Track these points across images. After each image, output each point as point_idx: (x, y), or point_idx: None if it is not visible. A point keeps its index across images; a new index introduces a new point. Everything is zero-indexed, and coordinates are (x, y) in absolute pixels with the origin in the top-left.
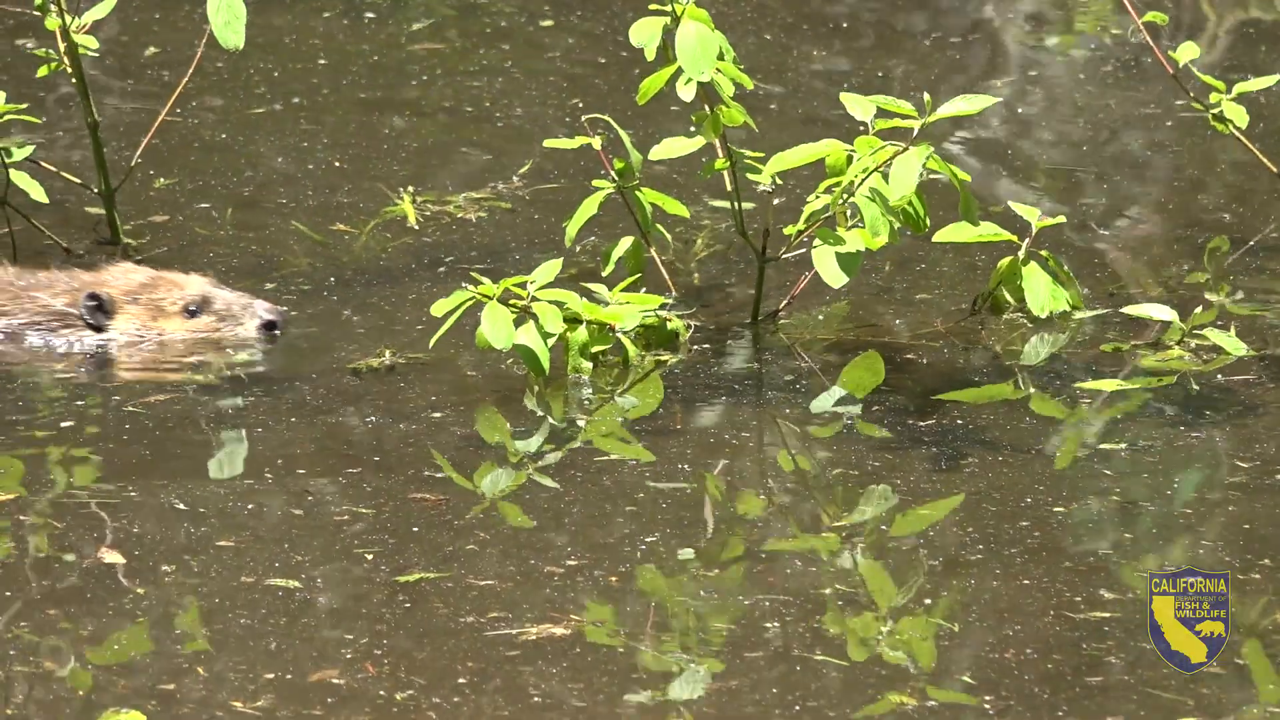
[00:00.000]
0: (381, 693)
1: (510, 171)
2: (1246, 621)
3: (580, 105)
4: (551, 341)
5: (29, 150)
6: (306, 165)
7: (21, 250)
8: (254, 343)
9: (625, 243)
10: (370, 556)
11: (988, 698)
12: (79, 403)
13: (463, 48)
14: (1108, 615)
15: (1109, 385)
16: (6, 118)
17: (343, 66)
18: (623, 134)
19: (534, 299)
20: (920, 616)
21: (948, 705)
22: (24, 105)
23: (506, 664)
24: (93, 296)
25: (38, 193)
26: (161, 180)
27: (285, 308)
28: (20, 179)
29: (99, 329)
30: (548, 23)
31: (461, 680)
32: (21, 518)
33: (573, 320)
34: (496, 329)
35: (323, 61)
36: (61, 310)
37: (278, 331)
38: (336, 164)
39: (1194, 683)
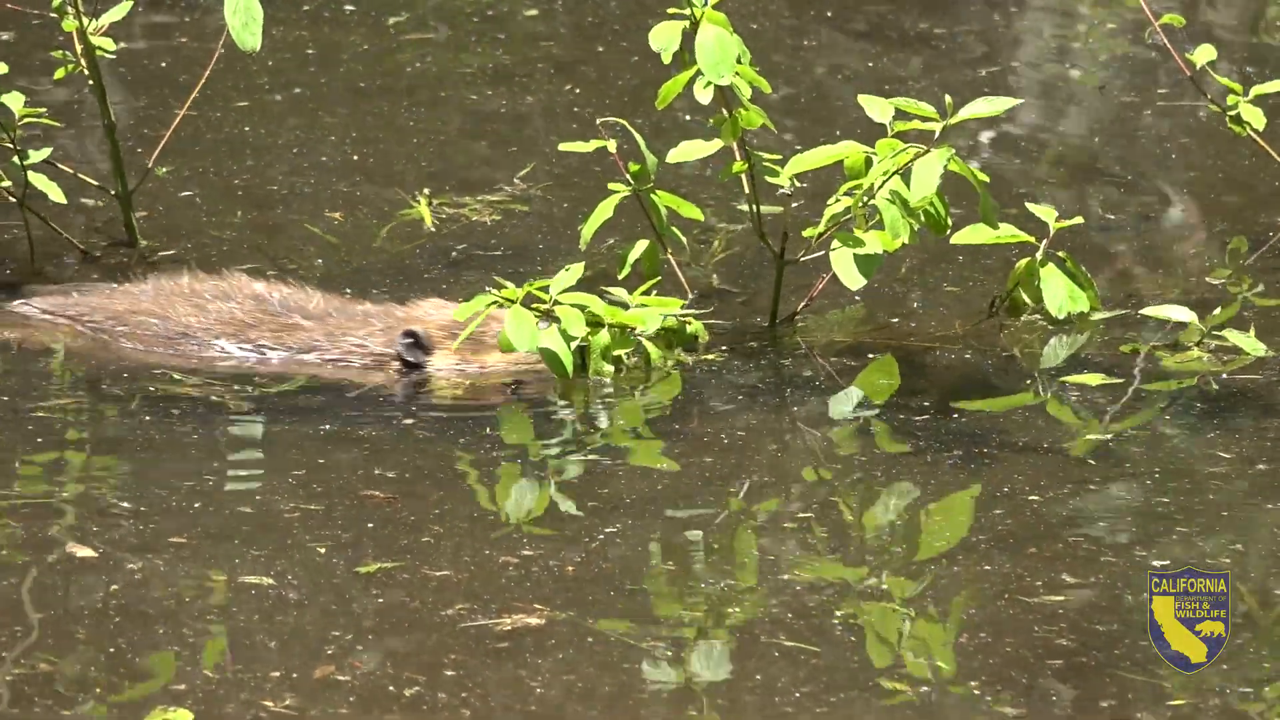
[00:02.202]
0: (391, 688)
1: (522, 163)
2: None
3: (577, 92)
4: (574, 345)
5: (46, 153)
6: (319, 158)
7: (38, 252)
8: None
9: (641, 245)
10: (323, 550)
11: (973, 683)
12: None
13: (454, 37)
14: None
15: (1093, 380)
16: (25, 120)
17: (333, 56)
18: (638, 137)
19: (556, 302)
20: (929, 612)
21: (936, 688)
22: (43, 110)
23: (490, 657)
24: (409, 334)
25: (56, 194)
26: (162, 170)
27: None
28: (38, 180)
29: (416, 366)
30: (532, 12)
31: (450, 673)
32: None
33: (594, 323)
34: (520, 331)
35: (310, 51)
36: (377, 351)
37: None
38: (354, 158)
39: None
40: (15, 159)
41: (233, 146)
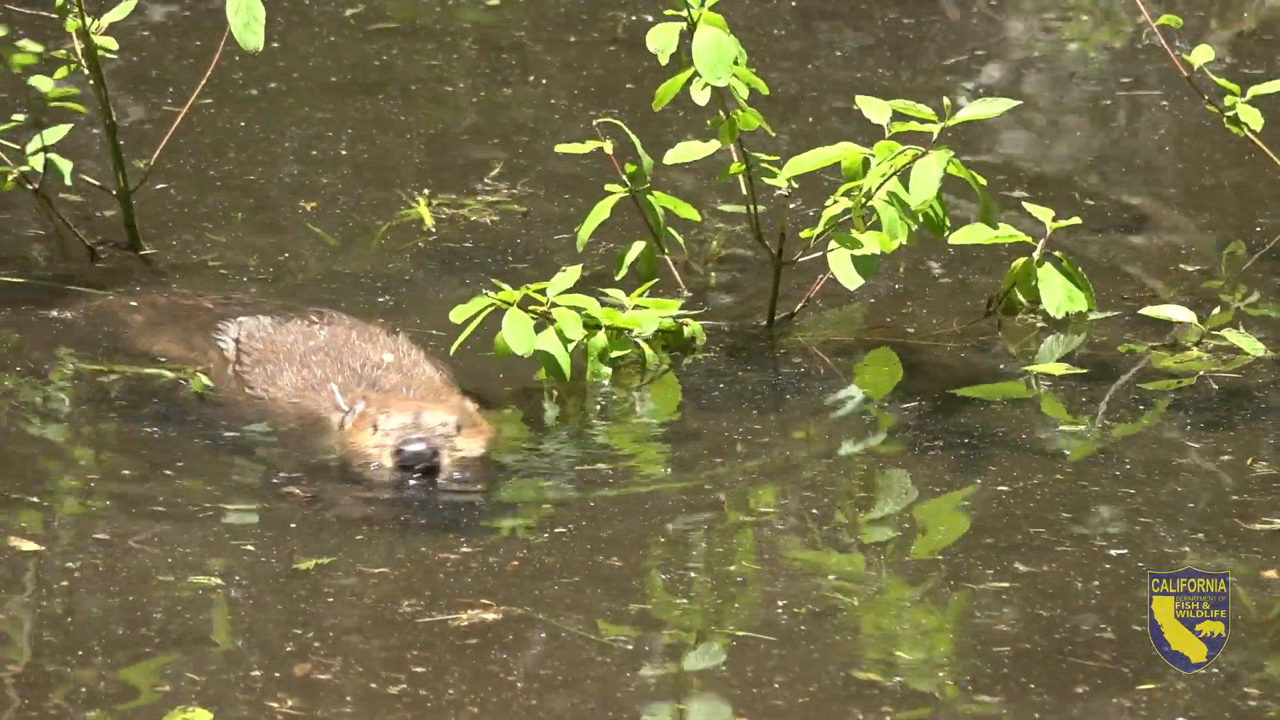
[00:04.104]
0: (373, 685)
1: (507, 158)
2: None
3: (544, 83)
4: (572, 347)
5: (65, 130)
6: (310, 152)
7: (39, 250)
8: (388, 475)
9: (637, 246)
10: (251, 548)
11: (941, 672)
12: None
13: (419, 28)
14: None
15: (1057, 369)
16: (54, 103)
17: (301, 49)
18: (634, 138)
19: (553, 305)
20: (891, 605)
21: (912, 679)
22: (75, 89)
23: (452, 652)
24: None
25: (66, 172)
26: (141, 164)
27: (437, 446)
28: (52, 160)
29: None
30: (494, 1)
31: (419, 669)
32: None
33: (592, 326)
34: (517, 335)
35: (276, 44)
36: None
37: (414, 470)
38: (344, 153)
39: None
40: (39, 136)
41: (217, 143)
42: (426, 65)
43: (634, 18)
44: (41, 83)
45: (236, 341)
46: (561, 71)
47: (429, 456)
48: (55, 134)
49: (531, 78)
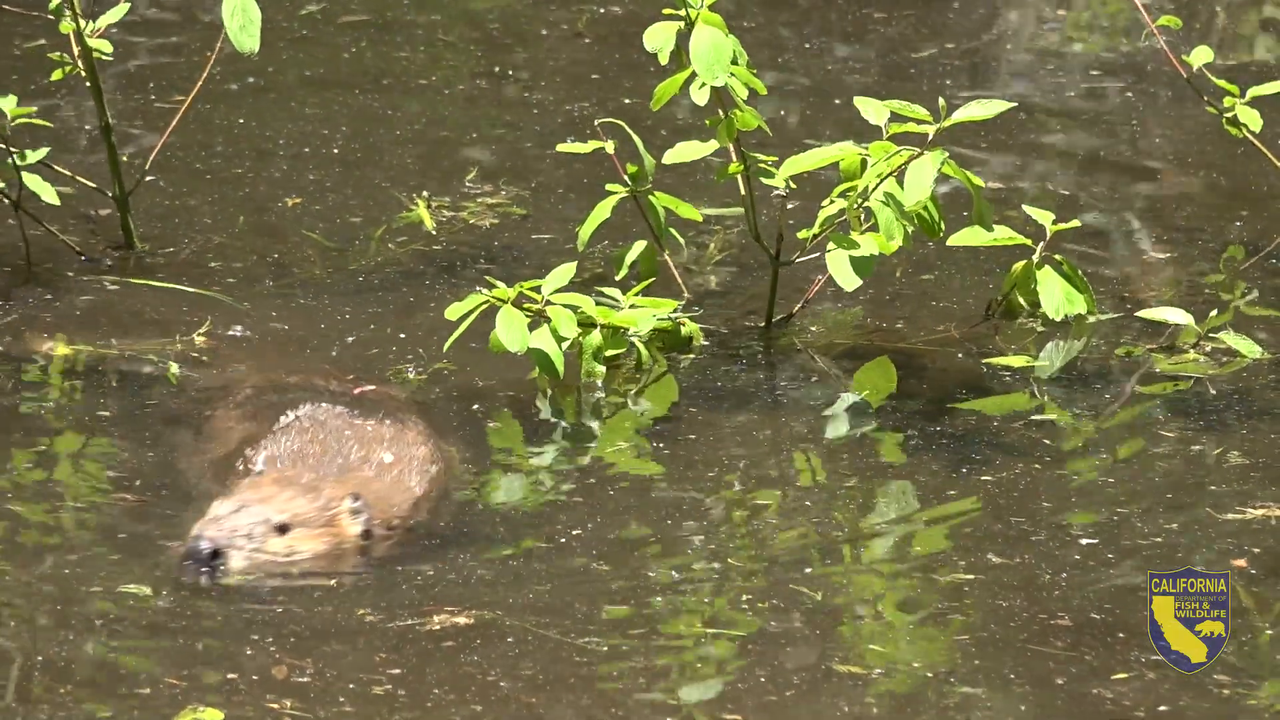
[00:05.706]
0: (352, 686)
1: (497, 155)
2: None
3: (511, 74)
4: (566, 345)
5: (43, 153)
6: (302, 149)
7: (34, 255)
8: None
9: (638, 246)
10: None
11: (915, 664)
12: None
13: (394, 18)
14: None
15: (1016, 361)
16: (17, 121)
17: (272, 44)
18: (636, 138)
19: (548, 303)
20: (864, 600)
21: (893, 670)
22: (34, 109)
23: (422, 655)
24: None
25: (49, 195)
26: (125, 158)
27: (223, 545)
28: (32, 181)
29: None
30: None
31: (396, 671)
32: None
33: (587, 324)
34: (511, 332)
35: None
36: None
37: (188, 564)
38: (335, 151)
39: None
40: (10, 160)
41: (207, 139)
42: (396, 58)
43: (601, 10)
44: (5, 102)
45: (296, 420)
46: (530, 61)
47: (204, 556)
48: (36, 155)
49: (497, 69)
